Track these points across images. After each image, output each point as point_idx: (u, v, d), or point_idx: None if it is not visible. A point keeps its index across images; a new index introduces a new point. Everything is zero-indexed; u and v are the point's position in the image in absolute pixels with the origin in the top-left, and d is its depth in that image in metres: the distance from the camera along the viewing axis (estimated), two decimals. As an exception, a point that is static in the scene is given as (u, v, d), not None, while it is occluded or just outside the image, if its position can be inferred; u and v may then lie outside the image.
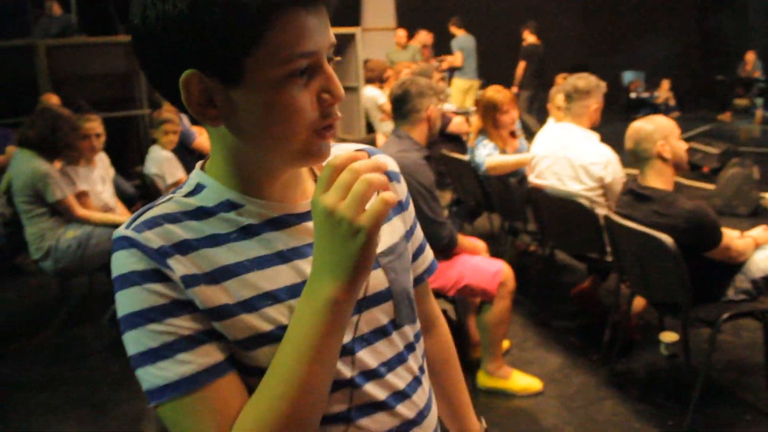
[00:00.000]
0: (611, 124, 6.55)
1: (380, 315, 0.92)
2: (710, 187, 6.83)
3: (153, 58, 0.78)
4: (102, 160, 4.28)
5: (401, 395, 0.94)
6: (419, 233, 1.11)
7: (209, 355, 0.79)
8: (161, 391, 0.77)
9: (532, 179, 3.78)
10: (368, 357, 0.90)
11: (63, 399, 3.24)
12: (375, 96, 6.55)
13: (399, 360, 0.95)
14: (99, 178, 4.04)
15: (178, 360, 0.77)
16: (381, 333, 0.92)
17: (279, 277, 0.83)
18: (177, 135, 4.77)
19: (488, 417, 1.27)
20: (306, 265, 0.85)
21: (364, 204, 0.72)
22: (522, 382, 3.13)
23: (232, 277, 0.81)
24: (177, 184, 4.61)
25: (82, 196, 3.71)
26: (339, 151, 0.92)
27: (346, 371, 0.87)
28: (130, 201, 5.32)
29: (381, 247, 0.93)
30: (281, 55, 0.75)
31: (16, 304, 4.63)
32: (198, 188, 0.87)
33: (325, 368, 0.77)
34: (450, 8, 10.55)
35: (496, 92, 4.17)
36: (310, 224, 0.86)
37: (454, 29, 9.90)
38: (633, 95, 13.66)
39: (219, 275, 0.81)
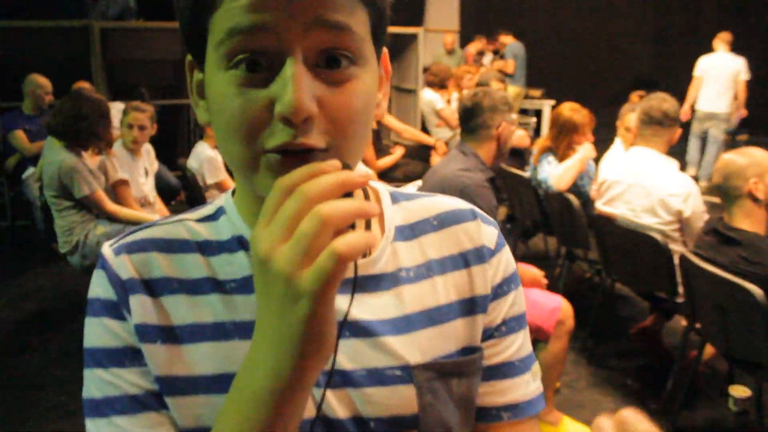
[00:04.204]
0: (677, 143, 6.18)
1: None
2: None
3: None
4: (148, 152, 4.14)
5: None
6: (511, 346, 0.77)
7: (150, 427, 0.64)
8: None
9: (600, 206, 3.46)
10: None
11: (80, 402, 3.08)
12: (433, 100, 6.29)
13: None
14: (143, 170, 3.91)
15: (113, 423, 0.64)
16: None
17: None
18: None
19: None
20: None
21: (312, 253, 0.48)
22: (573, 429, 2.84)
23: (205, 340, 0.65)
24: (218, 186, 4.46)
25: (121, 185, 3.57)
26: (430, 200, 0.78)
27: None
28: (173, 192, 5.21)
29: (419, 356, 0.70)
30: (219, 35, 0.57)
31: (49, 292, 4.51)
32: (217, 213, 0.72)
33: None
34: (515, 13, 10.23)
35: (574, 112, 3.87)
36: None
37: (504, 38, 9.91)
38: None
39: (186, 334, 0.65)
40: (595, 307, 3.79)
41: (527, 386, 0.77)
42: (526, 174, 4.33)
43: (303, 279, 0.48)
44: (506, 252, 0.78)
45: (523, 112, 9.68)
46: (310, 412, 0.63)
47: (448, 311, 0.73)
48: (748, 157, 2.46)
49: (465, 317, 0.73)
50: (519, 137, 5.25)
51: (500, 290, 0.76)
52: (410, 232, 0.75)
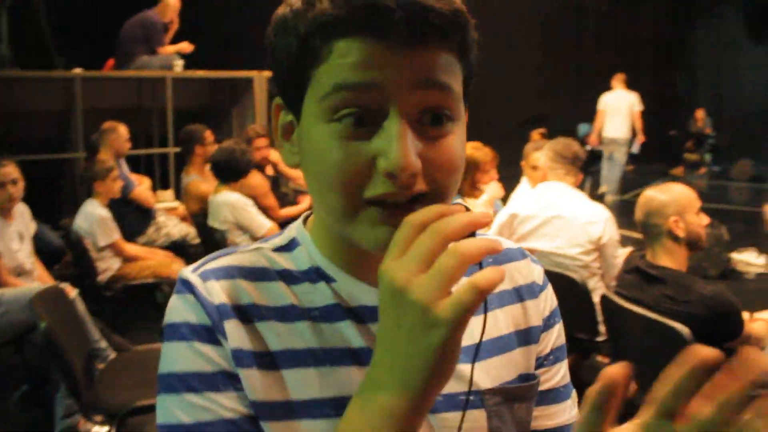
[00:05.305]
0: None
1: None
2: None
3: None
4: (22, 214, 3.71)
5: None
6: (557, 374, 0.84)
7: None
8: None
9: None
10: None
11: None
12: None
13: None
14: (16, 235, 3.48)
15: None
16: None
17: (352, 382, 0.67)
18: (119, 184, 4.28)
19: None
20: None
21: (449, 285, 0.53)
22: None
23: (299, 366, 0.67)
24: (113, 248, 4.10)
25: (-9, 257, 3.16)
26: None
27: None
28: (56, 254, 4.77)
29: (489, 382, 0.75)
30: (324, 88, 0.62)
31: None
32: (292, 244, 0.75)
33: None
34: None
35: (475, 150, 3.81)
36: None
37: None
38: (588, 147, 13.69)
39: (281, 360, 0.67)
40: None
41: (570, 411, 0.83)
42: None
43: (441, 309, 0.52)
44: (550, 288, 0.85)
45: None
46: None
47: (509, 341, 0.78)
48: (669, 194, 2.42)
49: (522, 347, 0.79)
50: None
51: (549, 322, 0.82)
52: (470, 269, 0.75)
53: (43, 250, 4.13)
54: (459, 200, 3.47)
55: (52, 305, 2.60)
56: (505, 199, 4.08)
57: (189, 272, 0.70)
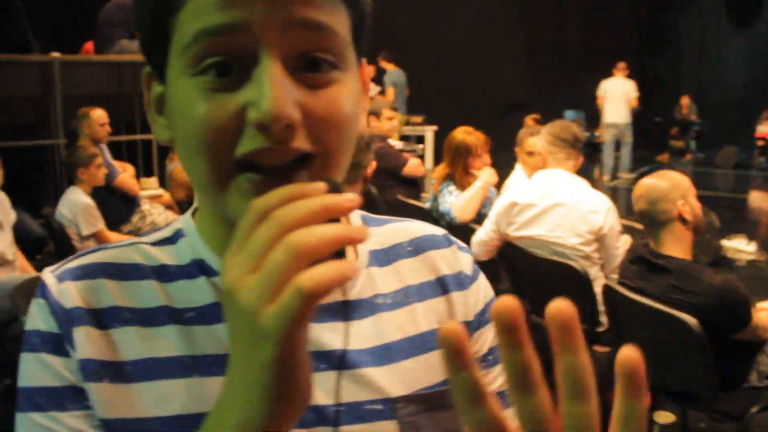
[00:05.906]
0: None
1: None
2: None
3: None
4: (1, 203, 3.59)
5: None
6: (498, 376, 0.72)
7: None
8: None
9: (512, 232, 3.27)
10: None
11: None
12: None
13: None
14: (-6, 223, 3.36)
15: None
16: None
17: None
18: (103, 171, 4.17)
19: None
20: None
21: (281, 288, 0.41)
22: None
23: (160, 377, 0.58)
24: (96, 237, 3.99)
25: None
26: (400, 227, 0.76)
27: None
28: (38, 243, 4.64)
29: (402, 388, 0.65)
30: (185, 38, 0.53)
31: None
32: (175, 236, 0.67)
33: None
34: (385, 41, 10.15)
35: (467, 134, 3.74)
36: None
37: (384, 64, 9.72)
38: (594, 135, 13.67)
39: (139, 371, 0.58)
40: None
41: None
42: (426, 205, 4.15)
43: (266, 318, 0.42)
44: (483, 278, 0.76)
45: (405, 138, 9.57)
46: None
47: (431, 339, 0.69)
48: (669, 180, 2.36)
49: None
50: (413, 166, 5.08)
51: (483, 318, 0.73)
52: (384, 257, 0.71)
53: (23, 239, 4.00)
54: (452, 187, 3.39)
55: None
56: (497, 186, 4.01)
57: (48, 272, 0.62)
